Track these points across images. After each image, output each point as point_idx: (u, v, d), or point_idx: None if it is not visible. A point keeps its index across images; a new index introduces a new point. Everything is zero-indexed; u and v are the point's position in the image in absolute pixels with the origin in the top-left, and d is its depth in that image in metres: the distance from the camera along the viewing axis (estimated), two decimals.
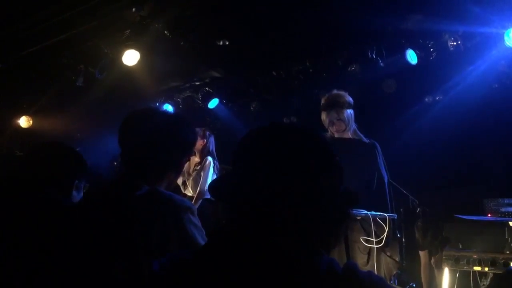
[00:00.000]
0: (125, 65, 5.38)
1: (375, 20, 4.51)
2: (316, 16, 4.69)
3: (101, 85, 6.02)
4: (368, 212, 3.09)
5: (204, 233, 1.44)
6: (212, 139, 5.26)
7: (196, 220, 1.43)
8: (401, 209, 5.91)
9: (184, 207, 1.42)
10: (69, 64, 5.83)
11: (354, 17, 4.46)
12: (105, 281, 1.25)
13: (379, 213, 3.15)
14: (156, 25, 4.85)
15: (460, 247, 3.19)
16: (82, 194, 1.89)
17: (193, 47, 5.36)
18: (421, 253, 4.96)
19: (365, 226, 3.22)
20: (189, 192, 5.08)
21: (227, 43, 5.33)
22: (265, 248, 0.88)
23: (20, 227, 1.57)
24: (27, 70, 5.95)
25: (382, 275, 3.34)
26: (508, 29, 4.53)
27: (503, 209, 5.01)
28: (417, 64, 5.26)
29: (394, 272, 3.61)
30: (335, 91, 3.67)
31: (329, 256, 0.91)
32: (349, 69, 5.71)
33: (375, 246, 3.14)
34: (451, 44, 4.99)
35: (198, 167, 5.07)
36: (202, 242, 1.38)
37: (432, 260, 4.79)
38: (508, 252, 2.88)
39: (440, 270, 3.39)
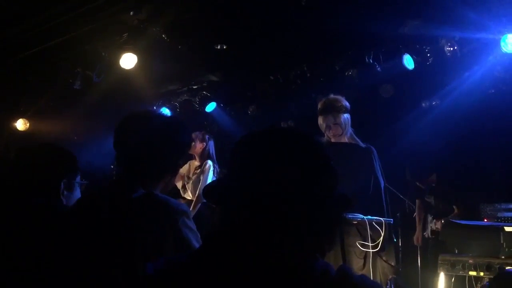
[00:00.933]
0: (123, 69, 5.38)
1: (372, 25, 4.52)
2: (314, 21, 4.70)
3: (98, 88, 6.02)
4: (364, 217, 3.09)
5: (200, 236, 1.44)
6: (211, 143, 5.26)
7: (191, 223, 1.43)
8: (398, 214, 5.93)
9: (179, 210, 1.42)
10: (67, 67, 5.82)
11: (351, 22, 4.47)
12: (100, 284, 1.25)
13: (375, 217, 3.15)
14: (154, 29, 4.86)
15: (456, 251, 3.20)
16: (78, 192, 1.89)
17: (191, 51, 5.37)
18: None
19: (361, 230, 3.23)
20: (188, 196, 5.08)
21: (224, 47, 5.34)
22: (258, 252, 0.88)
23: (9, 233, 1.56)
24: (24, 73, 5.95)
25: (378, 279, 3.34)
26: (505, 35, 4.55)
27: (499, 214, 5.03)
28: (414, 69, 5.28)
29: (390, 277, 3.60)
30: (331, 96, 3.67)
31: (323, 259, 0.92)
32: (346, 74, 5.73)
33: (371, 250, 3.14)
34: (447, 50, 5.01)
35: (198, 171, 5.07)
36: (197, 246, 1.38)
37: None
38: (503, 257, 2.89)
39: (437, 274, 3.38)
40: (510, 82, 5.12)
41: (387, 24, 4.61)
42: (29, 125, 7.05)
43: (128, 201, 1.41)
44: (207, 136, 5.26)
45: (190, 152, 5.17)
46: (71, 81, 5.99)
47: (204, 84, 6.78)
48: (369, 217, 3.13)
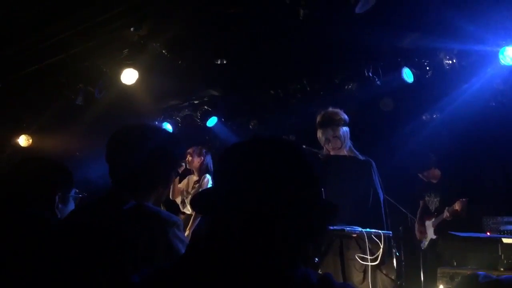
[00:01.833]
0: (124, 84, 5.42)
1: (371, 39, 4.56)
2: (313, 35, 4.75)
3: (100, 104, 6.06)
4: (363, 230, 3.08)
5: None
6: (209, 157, 5.29)
7: (181, 235, 1.44)
8: (400, 227, 5.90)
9: (170, 222, 1.43)
10: (68, 83, 5.87)
11: (350, 36, 4.51)
12: None
13: (374, 230, 3.14)
14: (154, 45, 4.91)
15: (455, 264, 3.18)
16: (72, 205, 1.90)
17: (191, 66, 5.41)
18: None
19: (360, 243, 3.22)
20: (188, 210, 5.09)
21: (225, 62, 5.38)
22: (240, 259, 0.89)
23: (6, 247, 1.57)
24: (26, 89, 6.00)
25: None
26: (503, 47, 4.57)
27: (502, 227, 4.99)
28: (413, 82, 5.30)
29: None
30: (330, 109, 3.69)
31: (306, 268, 0.92)
32: (346, 88, 5.76)
33: (370, 263, 3.13)
34: (446, 63, 5.04)
35: (197, 185, 5.08)
36: None
37: None
38: (502, 269, 2.87)
39: None
40: (510, 95, 5.12)
41: (386, 38, 4.64)
42: (32, 141, 7.09)
43: (119, 212, 1.41)
44: (204, 151, 5.29)
45: (189, 167, 5.19)
46: (73, 97, 6.03)
47: (205, 98, 6.82)
48: (368, 230, 3.12)
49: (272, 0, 4.15)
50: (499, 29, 4.55)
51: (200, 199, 1.03)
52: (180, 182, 5.21)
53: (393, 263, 3.40)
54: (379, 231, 3.15)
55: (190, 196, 5.11)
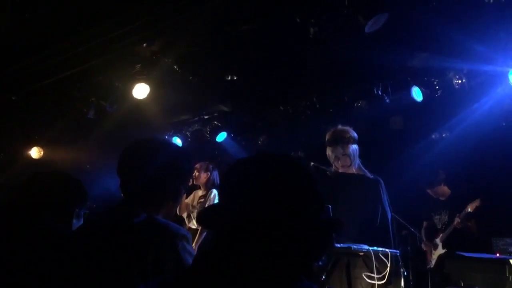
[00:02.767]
0: (135, 98, 5.49)
1: (381, 58, 4.59)
2: (322, 53, 4.79)
3: (112, 117, 6.13)
4: (370, 248, 3.07)
5: None
6: (216, 173, 5.32)
7: (190, 248, 1.45)
8: (408, 247, 5.86)
9: (179, 235, 1.45)
10: (81, 97, 5.95)
11: (360, 55, 4.55)
12: None
13: (381, 249, 3.12)
14: (166, 60, 4.98)
15: (462, 284, 3.15)
16: (82, 221, 1.92)
17: (202, 81, 5.47)
18: None
19: (367, 262, 3.20)
20: (193, 225, 5.10)
21: (235, 78, 5.44)
22: (244, 274, 0.91)
23: (19, 256, 1.59)
24: (39, 102, 6.09)
25: None
26: None
27: (511, 249, 4.94)
28: (422, 101, 5.31)
29: None
30: (340, 127, 3.71)
31: (310, 282, 0.93)
32: (355, 105, 5.78)
33: (376, 282, 3.11)
34: (456, 82, 5.04)
35: (203, 200, 5.11)
36: None
37: None
38: None
39: None
40: None
41: (395, 57, 4.67)
42: (43, 153, 7.17)
43: (129, 225, 1.44)
44: (211, 166, 5.32)
45: (195, 182, 5.23)
46: (85, 110, 6.10)
47: (215, 114, 6.88)
48: (375, 248, 3.11)
49: (283, 19, 4.20)
50: (509, 50, 4.56)
51: (206, 214, 1.05)
52: (186, 197, 5.23)
53: (400, 282, 3.37)
54: (386, 250, 3.13)
55: (195, 210, 5.13)
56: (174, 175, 1.62)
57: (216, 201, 5.05)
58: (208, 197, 5.09)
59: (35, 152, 7.15)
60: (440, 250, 5.32)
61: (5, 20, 4.58)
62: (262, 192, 0.97)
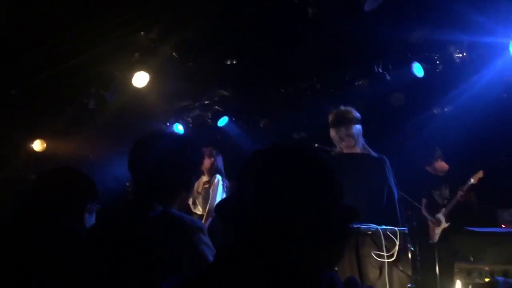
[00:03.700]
0: (136, 87, 5.48)
1: (380, 35, 4.57)
2: (321, 33, 4.76)
3: (112, 107, 6.12)
4: (378, 227, 3.10)
5: (214, 250, 1.48)
6: (219, 158, 5.33)
7: (206, 239, 1.48)
8: (414, 222, 5.91)
9: (195, 227, 1.47)
10: (81, 88, 5.95)
11: (359, 33, 4.52)
12: None
13: (390, 227, 3.15)
14: (165, 48, 4.95)
15: (472, 259, 3.19)
16: (94, 216, 1.94)
17: (202, 67, 5.45)
18: None
19: (376, 240, 3.23)
20: (198, 210, 5.14)
21: (234, 62, 5.41)
22: (267, 267, 0.92)
23: (32, 255, 1.61)
24: (39, 95, 6.08)
25: None
26: None
27: None
28: (423, 76, 5.29)
29: (408, 286, 3.59)
30: (342, 108, 3.70)
31: (331, 272, 0.95)
32: (356, 84, 5.76)
33: (386, 260, 3.14)
34: (456, 56, 5.02)
35: (207, 186, 5.13)
36: None
37: None
38: None
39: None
40: None
41: (395, 33, 4.64)
42: (46, 145, 7.17)
43: (146, 220, 1.46)
44: (214, 152, 5.34)
45: None
46: (85, 101, 6.10)
47: (215, 99, 6.86)
48: (383, 227, 3.13)
49: (281, 0, 4.16)
50: (509, 20, 4.53)
51: (224, 208, 1.06)
52: None
53: (409, 259, 3.42)
54: (395, 228, 3.16)
55: (200, 196, 5.16)
56: (186, 167, 1.64)
57: (220, 187, 5.08)
58: (212, 183, 5.12)
59: (38, 145, 7.15)
60: (444, 225, 5.37)
61: (3, 13, 4.55)
62: (280, 185, 0.99)
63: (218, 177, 5.16)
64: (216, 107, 6.95)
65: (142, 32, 4.69)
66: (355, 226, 3.04)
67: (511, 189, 5.50)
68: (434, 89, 5.63)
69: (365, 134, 3.77)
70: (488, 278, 2.96)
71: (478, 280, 3.05)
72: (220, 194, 5.07)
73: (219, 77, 6.02)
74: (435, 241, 5.45)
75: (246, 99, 6.84)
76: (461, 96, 5.48)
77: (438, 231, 5.41)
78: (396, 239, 3.17)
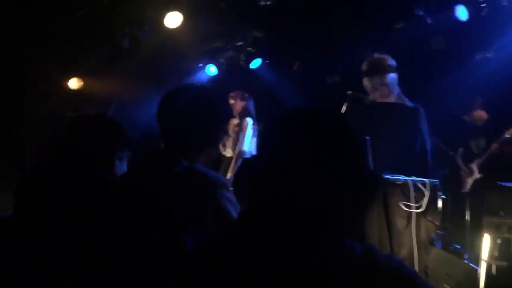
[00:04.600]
0: (168, 28, 5.45)
1: None
2: None
3: (146, 47, 6.13)
4: (408, 178, 3.08)
5: (239, 206, 1.50)
6: (251, 101, 5.32)
7: (230, 195, 1.50)
8: (447, 170, 5.83)
9: (218, 183, 1.49)
10: (115, 27, 5.95)
11: None
12: (145, 257, 1.34)
13: (419, 179, 3.12)
14: None
15: (502, 214, 3.15)
16: (125, 163, 1.99)
17: (235, 8, 5.34)
18: None
19: (405, 191, 3.22)
20: (228, 153, 5.20)
21: (268, 3, 5.26)
22: (288, 230, 0.94)
23: (60, 201, 1.66)
24: (74, 33, 6.11)
25: (421, 238, 3.35)
26: None
27: None
28: (467, 20, 5.03)
29: (434, 235, 3.60)
30: (376, 55, 3.58)
31: (351, 240, 0.96)
32: (394, 27, 5.54)
33: (413, 211, 3.14)
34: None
35: (237, 128, 5.17)
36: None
37: None
38: None
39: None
40: None
41: None
42: (83, 83, 7.28)
43: (170, 174, 1.49)
44: (246, 95, 5.31)
45: None
46: (120, 40, 6.11)
47: (249, 40, 6.74)
48: (413, 178, 3.11)
49: None
50: None
51: (245, 171, 1.07)
52: None
53: (437, 210, 3.40)
54: (424, 180, 3.13)
55: (230, 138, 5.20)
56: (213, 121, 1.64)
57: (250, 130, 5.10)
58: (242, 125, 5.14)
59: (74, 83, 7.27)
60: (476, 175, 5.28)
61: None
62: (305, 149, 0.98)
63: (249, 120, 5.17)
64: (249, 48, 6.84)
65: None
66: (385, 177, 3.03)
67: None
68: (478, 35, 5.35)
69: (403, 80, 3.65)
70: None
71: (506, 235, 3.04)
72: (249, 137, 5.11)
73: (253, 18, 5.89)
74: (467, 190, 5.39)
75: (280, 41, 6.69)
76: (508, 44, 5.20)
77: (470, 181, 5.34)
78: (426, 190, 3.15)
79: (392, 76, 3.50)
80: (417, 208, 3.18)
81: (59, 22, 5.91)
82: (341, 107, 3.65)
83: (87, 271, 1.43)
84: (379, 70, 3.46)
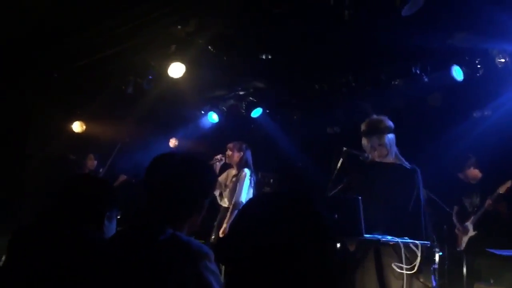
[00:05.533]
0: (171, 77, 5.60)
1: (419, 38, 4.46)
2: (359, 33, 4.68)
3: (149, 94, 6.27)
4: (400, 239, 3.08)
5: (221, 278, 1.52)
6: (248, 152, 5.37)
7: (213, 266, 1.51)
8: (445, 226, 5.82)
9: (201, 254, 1.50)
10: (120, 75, 6.11)
11: (397, 35, 4.42)
12: None
13: (411, 240, 3.13)
14: (200, 41, 5.01)
15: (492, 282, 3.13)
16: (114, 223, 2.02)
17: (237, 60, 5.49)
18: None
19: (397, 251, 3.22)
20: (224, 203, 5.21)
21: (270, 57, 5.42)
22: None
23: (46, 261, 1.70)
24: (80, 79, 6.28)
25: None
26: None
27: None
28: (463, 80, 5.14)
29: None
30: (375, 116, 3.64)
31: None
32: (392, 83, 5.66)
33: (405, 272, 3.13)
34: (499, 61, 4.84)
35: (235, 179, 5.20)
36: None
37: None
38: None
39: None
40: None
41: (434, 37, 4.53)
42: (85, 127, 7.41)
43: (155, 243, 1.51)
44: (244, 146, 5.36)
45: (228, 161, 5.31)
46: (123, 87, 6.26)
47: (250, 90, 6.89)
48: (406, 239, 3.11)
49: (316, 1, 4.12)
50: None
51: (223, 250, 1.12)
52: (219, 175, 5.33)
53: (430, 271, 3.38)
54: (417, 242, 3.13)
55: (228, 189, 5.23)
56: (198, 190, 1.68)
57: (247, 180, 5.13)
58: (240, 176, 5.18)
59: (77, 126, 7.39)
60: (471, 233, 5.25)
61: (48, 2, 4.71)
62: (278, 235, 1.04)
63: (246, 171, 5.20)
64: (250, 98, 6.98)
65: (179, 26, 4.76)
66: (375, 239, 3.04)
67: None
68: (474, 94, 5.45)
69: (399, 135, 3.68)
70: None
71: None
72: (247, 188, 5.13)
73: (254, 69, 6.04)
74: (462, 248, 5.36)
75: (281, 92, 6.84)
76: (504, 103, 5.29)
77: (465, 239, 5.31)
78: (418, 251, 3.15)
79: (390, 137, 3.55)
80: (410, 269, 3.18)
81: (65, 67, 6.09)
82: (338, 160, 3.71)
83: None
84: (377, 131, 3.52)
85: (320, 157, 6.65)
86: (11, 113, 6.40)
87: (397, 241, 3.07)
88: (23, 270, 1.75)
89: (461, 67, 5.11)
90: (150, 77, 5.84)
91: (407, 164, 3.60)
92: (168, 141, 7.66)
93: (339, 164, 3.70)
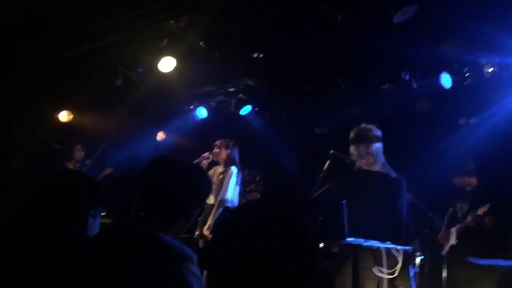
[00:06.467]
0: (162, 71, 5.57)
1: (409, 45, 4.50)
2: (351, 36, 4.70)
3: (138, 87, 6.23)
4: (381, 244, 3.12)
5: (203, 282, 1.53)
6: (236, 150, 5.38)
7: (195, 269, 1.52)
8: (426, 231, 5.90)
9: (185, 256, 1.51)
10: (109, 66, 6.06)
11: (388, 41, 4.46)
12: None
13: (393, 246, 3.17)
14: (192, 37, 4.99)
15: None
16: (99, 220, 2.01)
17: (228, 57, 5.48)
18: None
19: (376, 256, 3.26)
20: (210, 200, 5.22)
21: (261, 56, 5.42)
22: None
23: (28, 259, 1.69)
24: (69, 69, 6.21)
25: None
26: None
27: None
28: (451, 88, 5.20)
29: None
30: (363, 125, 3.67)
31: None
32: (381, 88, 5.71)
33: (384, 276, 3.18)
34: (487, 72, 4.91)
35: (221, 176, 5.21)
36: None
37: None
38: None
39: None
40: None
41: (424, 45, 4.57)
42: (72, 116, 7.33)
43: (139, 244, 1.52)
44: (231, 144, 5.38)
45: (215, 158, 5.33)
46: (113, 78, 6.21)
47: (241, 87, 6.89)
48: (386, 245, 3.15)
49: (310, 5, 4.13)
50: None
51: (206, 258, 1.13)
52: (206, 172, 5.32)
53: (408, 277, 3.43)
54: (397, 247, 3.18)
55: (214, 186, 5.23)
56: (190, 198, 1.69)
57: (234, 178, 5.16)
58: (226, 174, 5.19)
59: (64, 115, 7.31)
60: (453, 241, 5.30)
61: None
62: (260, 246, 1.05)
63: (233, 168, 5.22)
64: (240, 95, 6.97)
65: (172, 21, 4.74)
66: (356, 244, 3.08)
67: None
68: (461, 101, 5.51)
69: (386, 138, 3.71)
70: None
71: None
72: (233, 186, 5.15)
73: (245, 67, 6.04)
74: (445, 253, 5.41)
75: (271, 91, 6.84)
76: (490, 111, 5.34)
77: (447, 245, 5.37)
78: (398, 257, 3.20)
79: (378, 145, 3.58)
80: (390, 274, 3.22)
81: (53, 57, 6.01)
82: (324, 163, 3.75)
83: None
84: (365, 139, 3.55)
85: (307, 157, 6.72)
86: None
87: (379, 246, 3.11)
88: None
89: (450, 75, 5.17)
90: (140, 70, 5.79)
91: (393, 174, 3.64)
92: (156, 135, 7.65)
93: (325, 166, 3.73)
